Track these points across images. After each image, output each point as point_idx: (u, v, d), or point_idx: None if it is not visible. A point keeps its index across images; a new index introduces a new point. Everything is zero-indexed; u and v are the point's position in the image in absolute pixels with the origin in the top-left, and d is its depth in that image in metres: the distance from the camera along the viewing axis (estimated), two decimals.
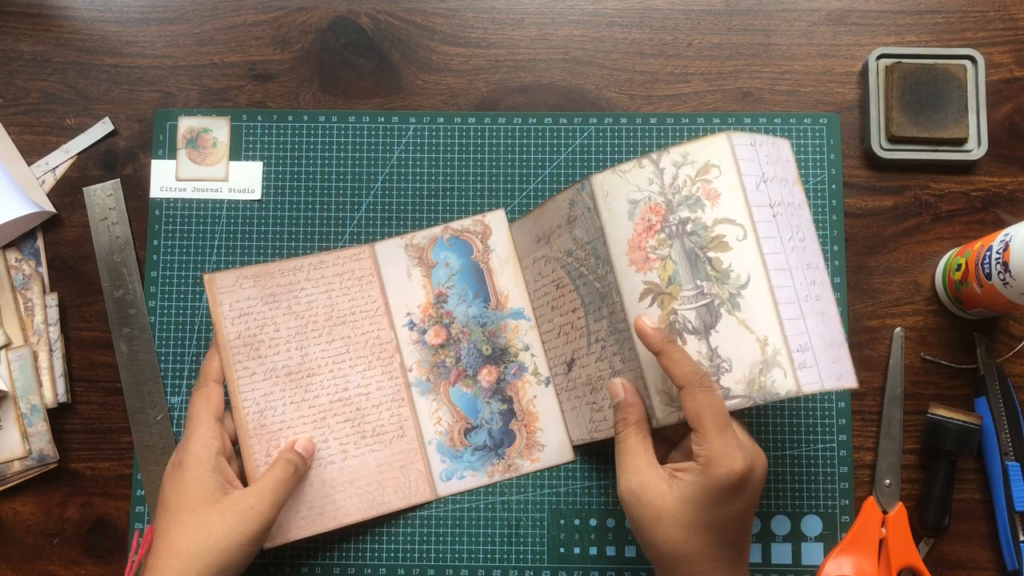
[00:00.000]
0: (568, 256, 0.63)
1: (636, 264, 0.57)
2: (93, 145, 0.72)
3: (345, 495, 0.66)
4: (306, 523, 0.65)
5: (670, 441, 0.59)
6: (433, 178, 0.71)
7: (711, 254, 0.56)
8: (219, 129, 0.71)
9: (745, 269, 0.55)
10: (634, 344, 0.58)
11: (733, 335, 0.55)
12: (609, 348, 0.60)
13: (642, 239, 0.57)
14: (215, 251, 0.70)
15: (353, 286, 0.69)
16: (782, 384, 0.54)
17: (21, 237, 0.70)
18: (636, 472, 0.55)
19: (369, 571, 0.66)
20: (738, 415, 0.56)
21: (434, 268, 0.69)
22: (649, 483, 0.54)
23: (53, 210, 0.70)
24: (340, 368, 0.68)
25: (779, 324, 0.55)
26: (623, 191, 0.58)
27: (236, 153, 0.71)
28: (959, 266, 0.65)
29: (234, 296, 0.67)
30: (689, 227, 0.56)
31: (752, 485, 0.53)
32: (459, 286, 0.69)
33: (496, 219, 0.70)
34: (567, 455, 0.67)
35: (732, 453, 0.52)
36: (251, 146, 0.71)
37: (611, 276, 0.58)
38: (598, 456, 0.67)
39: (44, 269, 0.70)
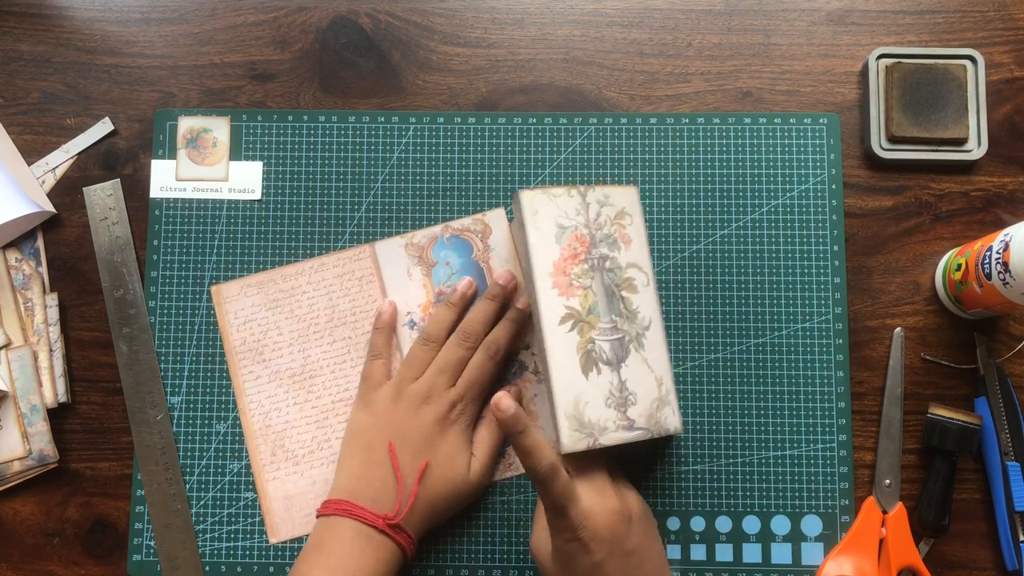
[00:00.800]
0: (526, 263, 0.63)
1: (560, 288, 0.59)
2: (93, 145, 0.72)
3: None
4: (309, 520, 0.67)
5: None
6: (433, 178, 0.71)
7: (624, 293, 0.61)
8: (219, 129, 0.71)
9: (647, 313, 0.61)
10: (548, 365, 0.59)
11: (638, 371, 0.60)
12: (540, 366, 0.62)
13: (567, 265, 0.60)
14: (215, 251, 0.70)
15: (353, 287, 0.69)
16: (671, 421, 0.60)
17: (21, 237, 0.70)
18: (537, 534, 0.60)
19: None
20: (604, 470, 0.59)
21: (434, 267, 0.69)
22: (541, 544, 0.59)
23: (53, 210, 0.70)
24: (341, 369, 0.68)
25: (669, 368, 0.61)
26: (552, 214, 0.60)
27: (236, 153, 0.71)
28: (959, 266, 0.65)
29: (239, 304, 0.69)
30: (608, 264, 0.60)
31: (585, 548, 0.56)
32: None
33: (496, 218, 0.70)
34: None
35: (562, 527, 0.56)
36: (251, 146, 0.71)
37: (535, 295, 0.60)
38: None
39: (44, 269, 0.70)
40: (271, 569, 0.67)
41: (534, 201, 0.60)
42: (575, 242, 0.60)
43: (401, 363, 0.66)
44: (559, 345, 0.58)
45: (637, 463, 0.67)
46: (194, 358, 0.69)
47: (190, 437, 0.68)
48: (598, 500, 0.57)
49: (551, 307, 0.59)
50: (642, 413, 0.59)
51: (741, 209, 0.69)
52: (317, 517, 0.62)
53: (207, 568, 0.67)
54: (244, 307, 0.69)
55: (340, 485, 0.63)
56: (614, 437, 0.58)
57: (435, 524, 0.64)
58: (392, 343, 0.68)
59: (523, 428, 0.54)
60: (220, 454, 0.68)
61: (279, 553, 0.67)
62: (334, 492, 0.63)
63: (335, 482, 0.63)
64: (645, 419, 0.59)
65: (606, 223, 0.61)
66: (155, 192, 0.71)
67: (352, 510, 0.60)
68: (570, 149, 0.71)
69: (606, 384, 0.59)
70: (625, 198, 0.62)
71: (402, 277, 0.69)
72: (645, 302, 0.61)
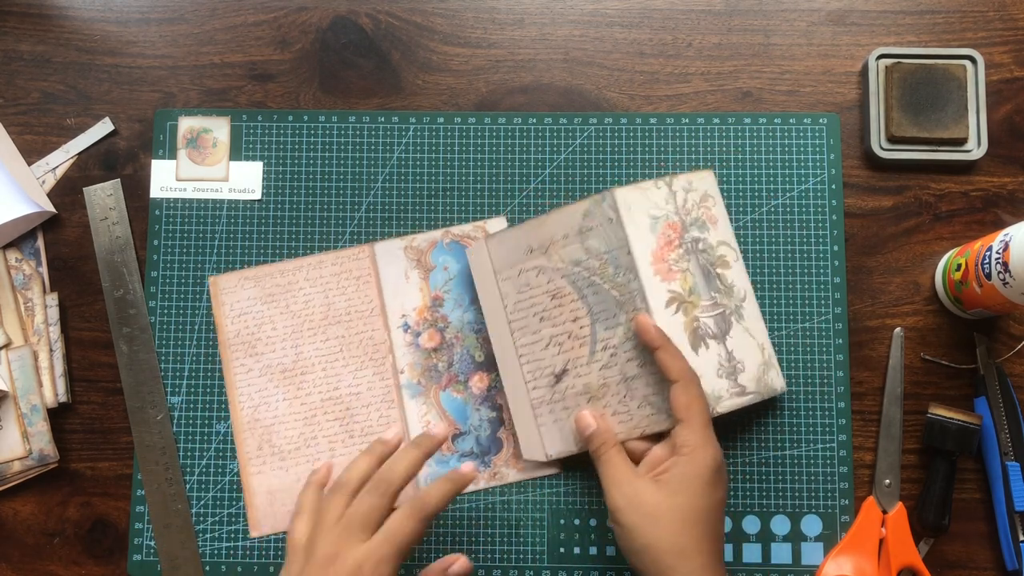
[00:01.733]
0: (575, 266, 0.63)
1: (661, 274, 0.61)
2: (93, 145, 0.72)
3: None
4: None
5: (633, 457, 0.60)
6: (433, 178, 0.71)
7: (719, 270, 0.64)
8: (219, 129, 0.71)
9: (741, 286, 0.64)
10: None
11: (742, 340, 0.63)
12: (622, 355, 0.61)
13: (664, 252, 0.62)
14: (215, 251, 0.70)
15: (350, 286, 0.69)
16: (777, 382, 0.64)
17: (21, 237, 0.70)
18: (625, 483, 0.58)
19: None
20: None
21: (432, 271, 0.69)
22: (640, 488, 0.57)
23: (53, 210, 0.70)
24: (333, 367, 0.68)
25: (766, 334, 0.65)
26: (644, 207, 0.62)
27: (236, 153, 0.71)
28: (959, 266, 0.65)
29: (235, 296, 0.69)
30: (700, 245, 0.63)
31: (723, 479, 0.58)
32: (456, 291, 0.69)
33: (496, 226, 0.70)
34: (553, 466, 0.67)
35: (713, 444, 0.57)
36: (251, 146, 0.71)
37: (635, 283, 0.60)
38: None
39: (44, 269, 0.70)
40: (271, 569, 0.67)
41: (626, 197, 0.62)
42: (668, 230, 0.62)
43: (316, 518, 0.59)
44: (667, 327, 0.60)
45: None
46: (194, 358, 0.69)
47: (190, 437, 0.68)
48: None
49: (656, 293, 0.61)
50: (751, 378, 0.63)
51: (741, 209, 0.69)
52: None
53: (207, 568, 0.67)
54: (240, 299, 0.69)
55: None
56: (729, 404, 0.62)
57: None
58: (319, 500, 0.60)
59: (664, 342, 0.58)
60: (220, 454, 0.68)
61: (279, 553, 0.67)
62: None
63: None
64: (754, 383, 0.63)
65: (693, 207, 0.64)
66: (155, 192, 0.71)
67: None
68: (570, 149, 0.71)
69: (715, 357, 0.62)
70: (704, 182, 0.65)
71: (399, 279, 0.69)
72: (738, 276, 0.64)
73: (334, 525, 0.57)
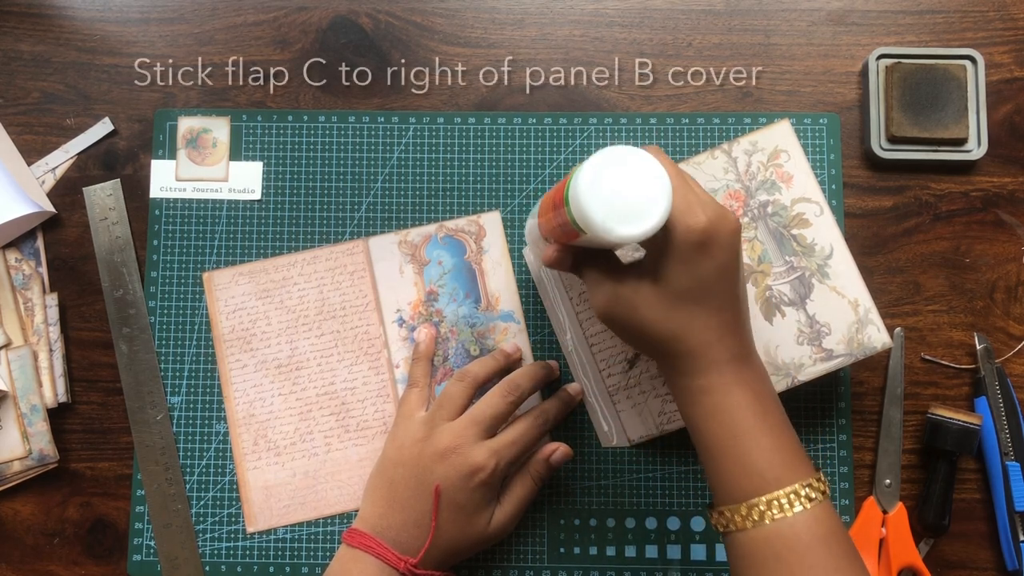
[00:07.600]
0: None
1: None
2: (93, 145, 0.72)
3: (327, 487, 0.67)
4: (288, 512, 0.67)
5: None
6: (433, 178, 0.71)
7: (794, 231, 0.62)
8: (219, 129, 0.71)
9: (827, 241, 0.62)
10: None
11: (827, 301, 0.61)
12: None
13: None
14: (215, 251, 0.70)
15: (344, 281, 0.69)
16: (877, 338, 0.61)
17: (21, 237, 0.70)
18: (602, 282, 0.53)
19: None
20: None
21: (427, 266, 0.69)
22: (618, 282, 0.52)
23: (53, 210, 0.70)
24: (328, 362, 0.68)
25: (864, 287, 0.62)
26: (700, 180, 0.61)
27: (236, 153, 0.71)
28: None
29: (229, 292, 0.69)
30: (770, 209, 0.62)
31: (720, 243, 0.49)
32: (450, 285, 0.69)
33: (491, 220, 0.70)
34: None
35: (688, 210, 0.49)
36: (251, 146, 0.71)
37: None
38: (598, 456, 0.67)
39: (44, 269, 0.70)
40: (271, 569, 0.67)
41: None
42: (729, 200, 0.61)
43: (436, 399, 0.64)
44: None
45: (636, 463, 0.67)
46: (194, 358, 0.69)
47: (190, 437, 0.68)
48: (711, 200, 0.50)
49: None
50: (840, 340, 0.61)
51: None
52: (342, 542, 0.62)
53: (207, 568, 0.67)
54: (235, 295, 0.69)
55: (365, 516, 0.62)
56: (813, 371, 0.61)
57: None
58: (430, 373, 0.67)
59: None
60: (220, 454, 0.68)
61: (279, 553, 0.67)
62: (359, 522, 0.62)
63: (362, 508, 0.63)
64: (844, 345, 0.61)
65: (759, 169, 0.62)
66: (155, 192, 0.71)
67: (377, 549, 0.59)
68: (570, 149, 0.71)
69: (792, 324, 0.61)
70: (775, 137, 0.62)
71: (394, 274, 0.69)
72: (821, 232, 0.62)
73: (456, 416, 0.62)
